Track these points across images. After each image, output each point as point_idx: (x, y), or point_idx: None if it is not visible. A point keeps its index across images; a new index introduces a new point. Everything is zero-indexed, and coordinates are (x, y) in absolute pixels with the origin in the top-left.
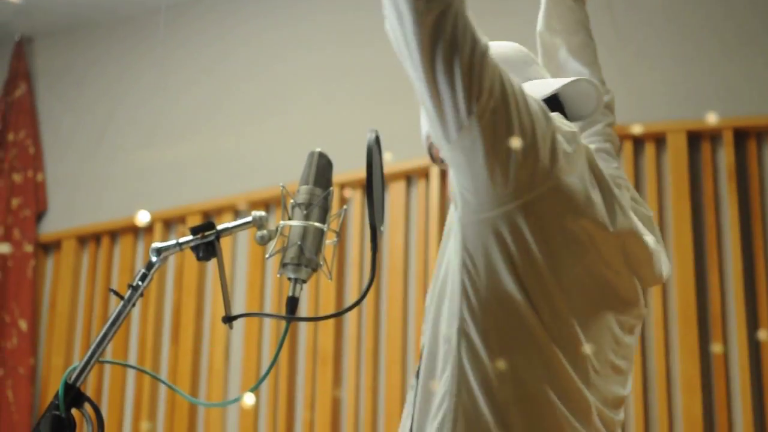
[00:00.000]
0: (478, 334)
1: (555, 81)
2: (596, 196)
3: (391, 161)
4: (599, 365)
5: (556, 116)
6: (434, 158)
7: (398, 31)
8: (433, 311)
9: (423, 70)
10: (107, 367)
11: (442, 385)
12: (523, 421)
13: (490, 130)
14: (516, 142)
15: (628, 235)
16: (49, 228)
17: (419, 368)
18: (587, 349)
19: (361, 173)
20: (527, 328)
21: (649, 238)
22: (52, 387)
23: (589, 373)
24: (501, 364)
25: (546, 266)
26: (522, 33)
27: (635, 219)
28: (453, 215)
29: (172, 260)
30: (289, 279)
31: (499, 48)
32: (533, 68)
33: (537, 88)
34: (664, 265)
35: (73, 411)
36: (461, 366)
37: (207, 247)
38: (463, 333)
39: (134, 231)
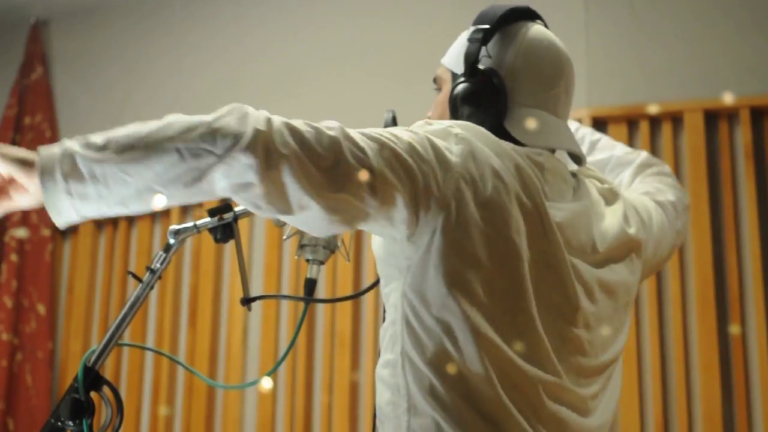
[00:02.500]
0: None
1: (559, 138)
2: (518, 206)
3: None
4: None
5: (421, 123)
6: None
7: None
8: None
9: (328, 197)
10: (125, 351)
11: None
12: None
13: (387, 204)
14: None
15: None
16: None
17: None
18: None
19: None
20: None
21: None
22: (71, 371)
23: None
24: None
25: (479, 276)
26: None
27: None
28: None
29: (189, 243)
30: (307, 260)
31: (538, 56)
32: (553, 92)
33: (552, 132)
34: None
35: (92, 394)
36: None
37: (225, 229)
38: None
39: (151, 214)
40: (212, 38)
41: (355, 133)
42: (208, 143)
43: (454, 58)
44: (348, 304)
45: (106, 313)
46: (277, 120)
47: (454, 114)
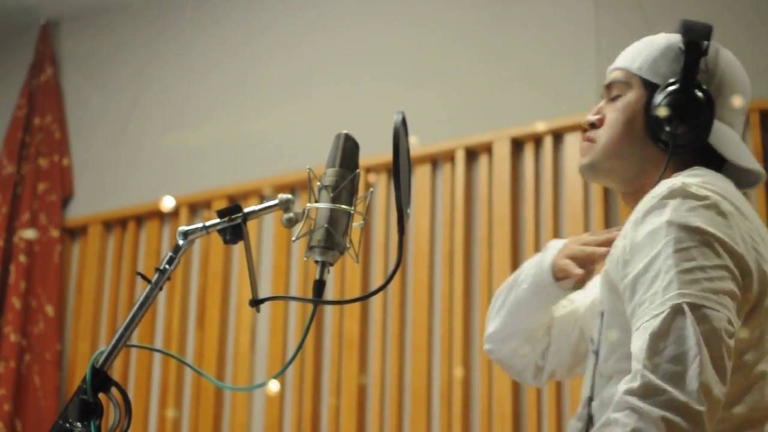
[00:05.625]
0: None
1: (752, 160)
2: None
3: (416, 144)
4: None
5: (685, 206)
6: None
7: None
8: None
9: None
10: (133, 352)
11: None
12: None
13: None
14: None
15: None
16: (76, 213)
17: None
18: None
19: (386, 157)
20: None
21: None
22: (79, 372)
23: None
24: None
25: None
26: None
27: None
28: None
29: (197, 245)
30: (316, 262)
31: (736, 76)
32: (743, 117)
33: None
34: None
35: (101, 395)
36: None
37: (234, 230)
38: None
39: (160, 216)
40: (222, 41)
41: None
42: None
43: (648, 65)
44: (356, 306)
45: (115, 314)
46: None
47: (655, 123)
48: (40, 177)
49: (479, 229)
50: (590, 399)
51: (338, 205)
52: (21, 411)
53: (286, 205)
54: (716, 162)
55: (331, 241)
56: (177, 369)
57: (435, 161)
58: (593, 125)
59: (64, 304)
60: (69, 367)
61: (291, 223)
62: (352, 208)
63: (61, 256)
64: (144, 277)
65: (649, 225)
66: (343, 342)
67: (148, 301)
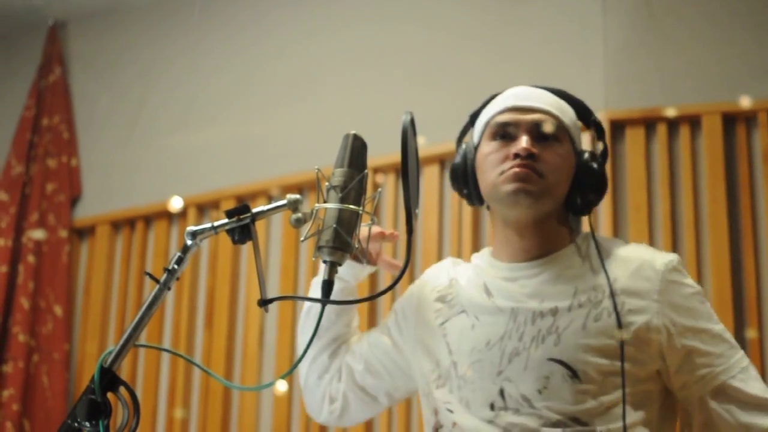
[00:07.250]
0: None
1: None
2: None
3: (424, 145)
4: None
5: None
6: None
7: None
8: None
9: None
10: (142, 352)
11: None
12: None
13: None
14: None
15: None
16: (84, 213)
17: None
18: None
19: (394, 157)
20: None
21: None
22: (87, 373)
23: None
24: None
25: None
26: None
27: None
28: None
29: (206, 245)
30: (325, 262)
31: None
32: None
33: None
34: None
35: (109, 395)
36: None
37: (242, 231)
38: None
39: (168, 216)
40: (229, 40)
41: None
42: None
43: (572, 125)
44: (364, 306)
45: (123, 314)
46: None
47: (574, 185)
48: (48, 177)
49: (487, 229)
50: (576, 419)
51: (347, 206)
52: (29, 411)
53: (294, 206)
54: None
55: (339, 241)
56: (185, 369)
57: (443, 161)
58: (532, 155)
59: (73, 304)
60: (77, 367)
61: (299, 223)
62: (361, 208)
63: (69, 257)
64: (152, 277)
65: (687, 289)
66: None
67: (157, 301)
